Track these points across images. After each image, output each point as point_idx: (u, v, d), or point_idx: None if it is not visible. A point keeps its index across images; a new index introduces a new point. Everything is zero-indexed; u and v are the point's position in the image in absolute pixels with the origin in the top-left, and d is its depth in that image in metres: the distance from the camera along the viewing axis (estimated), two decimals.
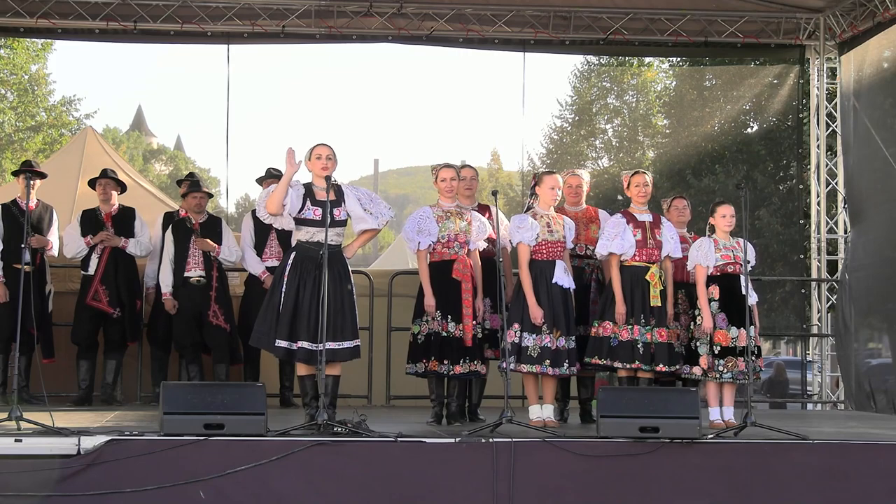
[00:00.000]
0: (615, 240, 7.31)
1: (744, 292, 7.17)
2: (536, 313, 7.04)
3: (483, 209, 7.70)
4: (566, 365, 7.11)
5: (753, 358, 7.13)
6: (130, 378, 9.34)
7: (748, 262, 7.21)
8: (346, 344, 6.57)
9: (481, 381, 7.72)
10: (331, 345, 6.43)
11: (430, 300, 7.20)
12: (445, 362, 7.20)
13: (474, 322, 7.22)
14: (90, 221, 8.83)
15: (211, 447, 5.97)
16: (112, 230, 8.78)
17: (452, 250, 7.29)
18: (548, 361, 7.05)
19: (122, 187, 9.06)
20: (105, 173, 9.03)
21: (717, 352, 7.25)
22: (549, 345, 7.06)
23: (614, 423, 6.34)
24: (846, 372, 10.95)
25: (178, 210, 9.28)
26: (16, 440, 5.87)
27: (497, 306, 7.32)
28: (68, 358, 8.87)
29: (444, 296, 7.21)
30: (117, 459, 5.85)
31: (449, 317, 7.20)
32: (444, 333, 7.20)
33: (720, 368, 7.24)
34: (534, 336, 7.07)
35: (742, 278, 7.20)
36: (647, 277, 7.26)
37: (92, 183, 9.06)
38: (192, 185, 9.18)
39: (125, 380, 9.28)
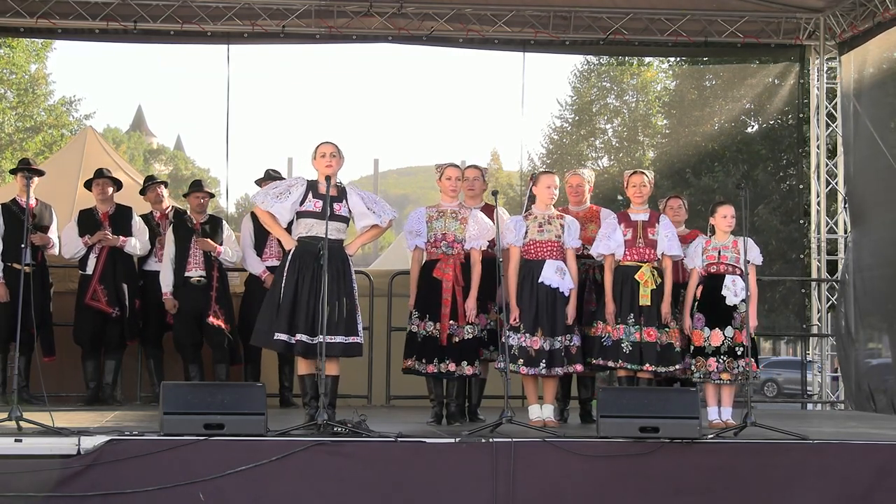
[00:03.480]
0: (603, 241, 7.35)
1: (723, 292, 7.21)
2: (513, 313, 7.08)
3: (489, 209, 7.70)
4: (543, 365, 7.06)
5: (748, 358, 7.17)
6: (130, 378, 9.33)
7: (748, 262, 7.22)
8: (339, 338, 6.53)
9: (481, 382, 7.72)
10: (325, 338, 6.43)
11: (411, 299, 7.33)
12: (422, 360, 7.23)
13: (452, 322, 7.20)
14: (88, 221, 8.82)
15: (211, 447, 5.96)
16: (110, 229, 8.78)
17: (439, 250, 7.32)
18: (521, 361, 7.05)
19: (118, 185, 9.07)
20: (101, 173, 9.03)
21: (691, 351, 7.30)
22: (528, 344, 7.06)
23: (614, 423, 6.33)
24: (846, 372, 10.96)
25: (151, 212, 9.25)
26: (16, 440, 5.86)
27: (500, 307, 7.35)
28: (69, 358, 8.87)
29: (425, 295, 7.27)
30: (117, 459, 5.84)
31: (427, 316, 7.24)
32: (424, 332, 7.24)
33: (692, 368, 7.29)
34: (516, 336, 7.09)
35: (727, 278, 7.23)
36: (637, 277, 7.27)
37: (88, 185, 9.06)
38: (193, 184, 9.21)
39: (125, 380, 9.27)
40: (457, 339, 7.23)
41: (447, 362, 7.22)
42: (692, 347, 7.31)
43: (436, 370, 7.24)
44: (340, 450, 6.08)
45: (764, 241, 19.51)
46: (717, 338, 7.24)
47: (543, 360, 7.06)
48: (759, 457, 6.36)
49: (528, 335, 7.08)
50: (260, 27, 10.95)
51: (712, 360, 7.23)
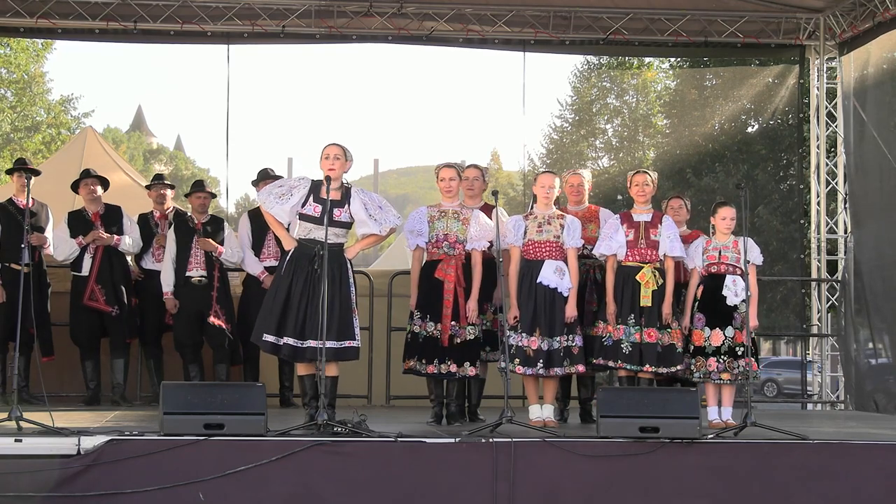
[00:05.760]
0: (605, 241, 7.37)
1: (723, 293, 7.22)
2: (511, 312, 7.09)
3: (489, 209, 7.69)
4: (540, 365, 7.07)
5: (748, 358, 7.17)
6: (131, 378, 9.31)
7: (748, 262, 7.22)
8: (331, 344, 6.49)
9: (480, 382, 7.72)
10: (312, 343, 6.44)
11: (412, 299, 7.31)
12: (422, 361, 7.23)
13: (453, 323, 7.19)
14: (79, 222, 8.81)
15: (211, 447, 5.96)
16: (102, 229, 8.77)
17: (441, 251, 7.31)
18: (517, 360, 7.05)
19: (105, 184, 9.05)
20: (87, 173, 9.03)
21: (690, 351, 7.30)
22: (525, 344, 7.07)
23: (614, 423, 6.34)
24: (846, 372, 10.96)
25: (152, 211, 9.24)
26: (16, 440, 5.86)
27: (496, 307, 7.35)
28: (68, 358, 8.86)
29: (427, 296, 7.26)
30: (117, 459, 5.85)
31: (428, 316, 7.24)
32: (424, 333, 7.23)
33: (691, 368, 7.30)
34: (514, 335, 7.09)
35: (727, 278, 7.23)
36: (637, 278, 7.27)
37: (74, 186, 9.05)
38: (195, 184, 9.21)
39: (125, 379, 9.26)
40: (458, 340, 7.22)
41: (448, 363, 7.22)
42: (692, 347, 7.31)
43: (436, 371, 7.23)
44: (340, 450, 6.08)
45: (764, 242, 19.48)
46: (717, 338, 7.26)
47: (541, 360, 7.06)
48: (759, 457, 6.36)
49: (525, 335, 7.08)
50: (260, 27, 10.95)
51: (712, 360, 7.25)
